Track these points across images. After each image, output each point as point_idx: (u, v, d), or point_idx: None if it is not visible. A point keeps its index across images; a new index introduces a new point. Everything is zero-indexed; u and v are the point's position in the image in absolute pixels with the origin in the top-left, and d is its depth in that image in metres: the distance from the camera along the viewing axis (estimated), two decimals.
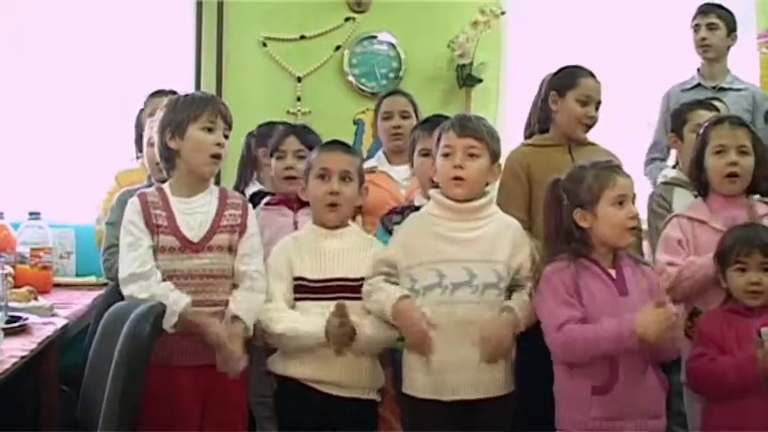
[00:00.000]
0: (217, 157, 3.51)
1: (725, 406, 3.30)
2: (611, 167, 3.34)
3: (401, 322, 3.36)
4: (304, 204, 3.86)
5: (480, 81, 5.88)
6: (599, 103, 4.13)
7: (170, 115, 3.51)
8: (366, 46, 5.98)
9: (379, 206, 4.20)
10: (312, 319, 3.42)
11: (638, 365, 3.19)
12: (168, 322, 3.27)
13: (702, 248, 3.53)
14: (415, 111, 4.79)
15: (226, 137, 3.55)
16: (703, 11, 5.26)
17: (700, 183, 3.70)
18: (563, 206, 3.33)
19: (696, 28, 5.26)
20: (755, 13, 6.47)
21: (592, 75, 4.16)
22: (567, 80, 4.13)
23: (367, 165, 4.79)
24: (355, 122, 5.91)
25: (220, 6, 5.84)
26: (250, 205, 3.70)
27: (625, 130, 5.65)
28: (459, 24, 5.85)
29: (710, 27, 5.23)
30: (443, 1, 5.92)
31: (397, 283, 3.41)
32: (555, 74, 4.23)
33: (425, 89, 5.66)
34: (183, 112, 3.49)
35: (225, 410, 3.46)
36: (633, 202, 3.29)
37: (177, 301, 3.33)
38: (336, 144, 3.74)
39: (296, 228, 3.89)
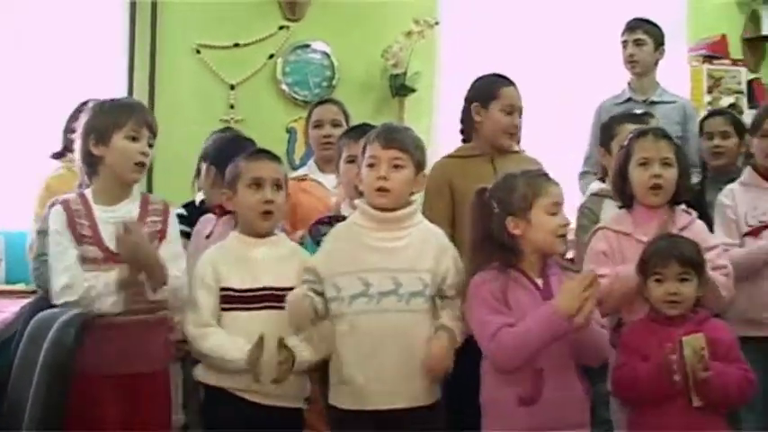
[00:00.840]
0: (141, 165, 3.48)
1: (648, 413, 3.33)
2: (543, 175, 3.37)
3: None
4: (226, 212, 3.86)
5: (414, 91, 5.92)
6: (521, 110, 4.16)
7: (94, 121, 3.49)
8: (300, 54, 6.00)
9: (311, 214, 4.21)
10: (239, 343, 3.38)
11: (563, 375, 3.21)
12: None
13: (628, 260, 3.55)
14: (347, 119, 4.80)
15: (151, 145, 3.53)
16: (631, 27, 5.34)
17: (624, 194, 3.73)
18: (493, 215, 3.34)
19: (624, 44, 5.34)
20: (686, 27, 6.61)
21: (512, 83, 4.19)
22: (489, 91, 4.15)
23: (298, 173, 4.82)
24: (288, 131, 5.92)
25: (154, 12, 5.83)
26: (172, 211, 3.68)
27: (558, 141, 5.72)
28: (393, 34, 5.89)
29: (638, 43, 5.31)
30: (378, 11, 5.96)
31: (320, 292, 3.39)
32: (474, 83, 4.25)
33: (359, 98, 5.70)
34: (107, 119, 3.46)
35: (148, 420, 3.44)
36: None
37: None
38: (265, 153, 3.73)
39: (209, 237, 3.89)
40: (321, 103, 5.06)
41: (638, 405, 3.39)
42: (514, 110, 4.13)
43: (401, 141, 3.47)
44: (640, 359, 3.32)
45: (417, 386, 3.37)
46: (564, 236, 3.28)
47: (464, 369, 3.36)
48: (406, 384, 3.35)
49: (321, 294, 3.39)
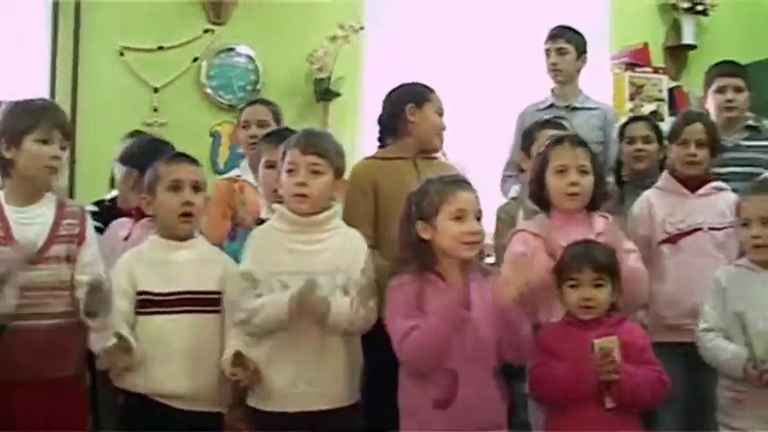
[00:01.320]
0: (53, 168, 3.45)
1: (564, 414, 3.37)
2: (455, 182, 3.37)
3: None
4: (143, 216, 3.84)
5: (338, 95, 5.93)
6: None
7: (5, 123, 3.45)
8: (224, 58, 5.99)
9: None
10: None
11: (479, 377, 3.23)
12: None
13: (545, 264, 3.57)
14: (278, 120, 4.80)
15: (63, 148, 3.49)
16: (553, 35, 5.36)
17: (541, 200, 3.77)
18: (410, 218, 3.37)
19: (547, 52, 5.36)
20: (608, 35, 6.70)
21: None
22: (423, 93, 4.22)
23: (231, 174, 4.81)
24: (212, 134, 5.90)
25: (77, 13, 5.76)
26: (89, 214, 3.66)
27: (482, 146, 5.75)
28: (318, 39, 5.89)
29: (560, 52, 5.33)
30: (303, 15, 5.96)
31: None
32: (402, 87, 4.28)
33: (283, 103, 5.62)
34: (18, 122, 3.43)
35: (64, 426, 3.39)
36: (478, 218, 3.33)
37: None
38: (183, 156, 3.73)
39: (127, 239, 3.87)
40: (252, 103, 5.07)
41: (554, 405, 3.43)
42: (443, 112, 4.22)
43: (320, 147, 3.49)
44: (556, 361, 3.35)
45: (337, 387, 3.41)
46: (471, 243, 3.28)
47: (381, 370, 3.38)
48: (326, 386, 3.38)
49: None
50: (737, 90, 4.96)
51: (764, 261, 3.62)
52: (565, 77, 5.36)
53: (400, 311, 3.25)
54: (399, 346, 3.23)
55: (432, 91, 4.25)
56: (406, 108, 4.19)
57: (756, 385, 3.44)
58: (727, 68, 5.10)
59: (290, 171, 3.46)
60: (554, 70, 5.35)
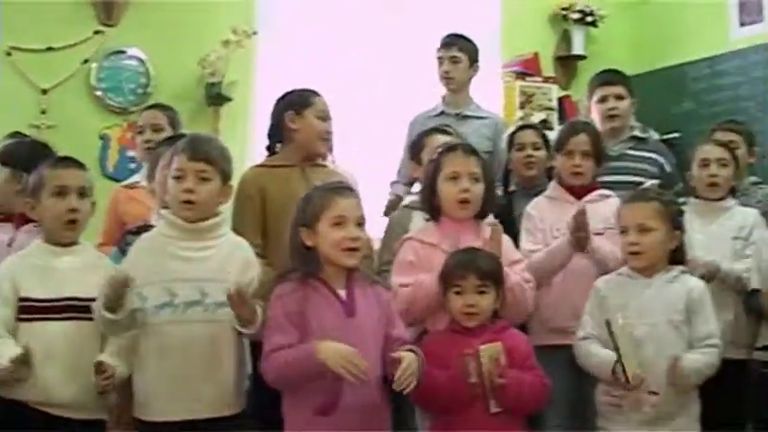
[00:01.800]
0: None
1: (448, 420, 3.42)
2: (336, 189, 3.38)
3: None
4: (28, 221, 3.78)
5: (230, 100, 5.90)
6: (331, 119, 4.22)
7: None
8: (114, 60, 5.91)
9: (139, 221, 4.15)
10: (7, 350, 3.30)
11: (362, 385, 3.18)
12: None
13: (434, 271, 3.61)
14: (174, 125, 4.77)
15: None
16: (446, 43, 5.40)
17: (432, 207, 3.81)
18: (297, 225, 3.38)
19: (440, 60, 5.39)
20: (500, 44, 6.78)
21: (321, 95, 4.25)
22: (302, 99, 4.19)
23: (130, 180, 4.76)
24: (101, 137, 5.81)
25: None
26: None
27: (373, 153, 5.77)
28: (210, 43, 5.84)
29: (453, 60, 5.37)
30: (195, 19, 5.91)
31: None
32: (284, 96, 4.26)
33: (174, 106, 5.63)
34: None
35: None
36: (360, 224, 3.34)
37: None
38: (70, 161, 3.66)
39: (11, 245, 3.80)
40: (148, 108, 5.03)
41: (439, 412, 3.47)
42: (328, 117, 4.20)
43: (207, 153, 3.47)
44: (440, 368, 3.38)
45: (221, 396, 3.38)
46: (350, 249, 3.30)
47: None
48: (211, 394, 3.36)
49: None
50: (619, 98, 5.03)
51: (643, 268, 3.71)
52: (457, 85, 5.40)
53: (274, 323, 3.25)
54: (263, 359, 3.24)
55: (314, 95, 4.22)
56: (286, 116, 4.18)
57: (625, 388, 3.53)
58: (607, 77, 5.17)
59: (177, 177, 3.43)
60: (446, 78, 5.39)
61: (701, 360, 3.57)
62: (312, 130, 4.16)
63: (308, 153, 4.18)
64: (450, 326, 3.51)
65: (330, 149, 4.29)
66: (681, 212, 3.89)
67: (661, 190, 4.09)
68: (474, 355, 3.33)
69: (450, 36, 5.45)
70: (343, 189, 3.39)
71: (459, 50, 5.38)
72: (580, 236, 3.92)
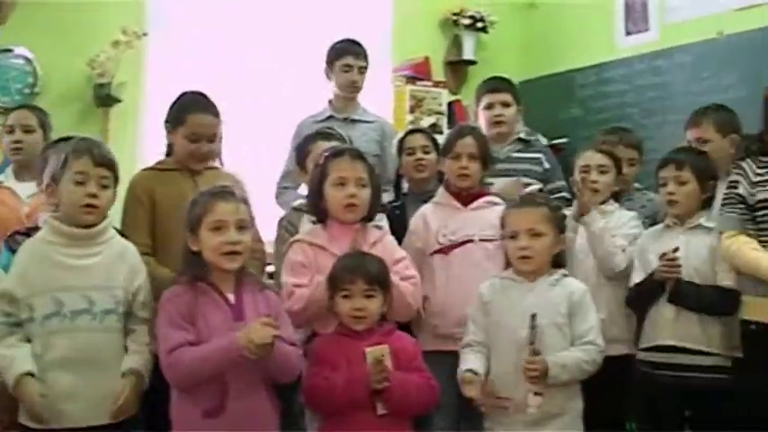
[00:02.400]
0: None
1: (338, 421, 3.44)
2: (218, 193, 3.39)
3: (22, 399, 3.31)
4: None
5: (119, 101, 5.83)
6: (211, 136, 4.11)
7: None
8: (1, 59, 5.78)
9: (3, 223, 4.12)
10: None
11: (249, 388, 3.26)
12: None
13: (323, 273, 3.63)
14: (44, 127, 4.71)
15: None
16: (359, 53, 5.37)
17: (319, 211, 3.83)
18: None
19: (348, 68, 5.34)
20: (391, 48, 6.82)
21: (205, 108, 4.12)
22: (176, 116, 4.11)
23: None
24: None
25: None
26: None
27: (263, 156, 5.76)
28: (100, 43, 5.77)
29: (362, 70, 5.37)
30: (85, 19, 5.82)
31: (18, 323, 3.33)
32: (173, 103, 4.19)
33: (62, 107, 5.56)
34: None
35: None
36: (242, 227, 3.35)
37: None
38: None
39: None
40: (18, 108, 4.94)
41: (328, 414, 3.49)
42: (200, 137, 4.06)
43: (110, 159, 3.49)
44: (330, 370, 3.42)
45: (110, 404, 3.35)
46: (229, 253, 3.31)
47: (160, 382, 3.36)
48: (99, 402, 3.33)
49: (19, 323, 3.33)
50: (505, 105, 5.09)
51: (529, 272, 3.78)
52: (358, 93, 5.42)
53: (170, 322, 3.25)
54: (165, 357, 3.24)
55: (191, 112, 4.07)
56: (165, 127, 4.16)
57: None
58: (493, 85, 5.22)
59: (79, 182, 3.40)
60: (355, 87, 5.38)
61: (571, 356, 3.64)
62: (181, 150, 4.09)
63: (185, 165, 4.13)
64: (338, 329, 3.54)
65: (209, 158, 4.18)
66: (564, 217, 3.97)
67: (545, 195, 4.17)
68: (360, 358, 3.36)
69: (358, 44, 5.43)
70: (224, 193, 3.40)
71: (365, 59, 5.41)
72: None
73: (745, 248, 3.85)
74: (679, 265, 3.95)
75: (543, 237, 3.76)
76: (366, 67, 5.41)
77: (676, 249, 3.97)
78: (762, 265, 3.78)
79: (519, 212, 3.84)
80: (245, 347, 3.12)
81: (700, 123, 4.50)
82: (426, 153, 4.82)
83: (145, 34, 5.88)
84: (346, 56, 5.35)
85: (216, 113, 4.13)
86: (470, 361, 3.70)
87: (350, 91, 5.38)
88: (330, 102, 5.42)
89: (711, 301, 3.98)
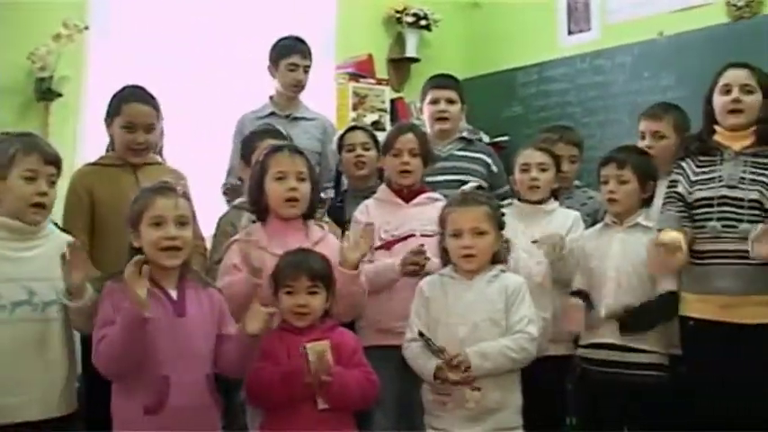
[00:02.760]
0: None
1: (278, 416, 3.46)
2: (157, 189, 3.39)
3: None
4: None
5: (60, 95, 5.77)
6: (150, 125, 4.14)
7: None
8: None
9: None
10: None
11: (190, 384, 3.26)
12: None
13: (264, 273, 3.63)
14: None
15: None
16: (304, 52, 5.38)
17: (260, 208, 3.83)
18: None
19: (293, 67, 5.34)
20: (334, 46, 6.82)
21: (142, 99, 4.16)
22: (113, 106, 4.15)
23: None
24: None
25: None
26: None
27: (205, 152, 5.74)
28: (40, 36, 5.69)
29: (306, 69, 5.38)
30: (25, 12, 5.73)
31: None
32: (112, 97, 4.21)
33: (1, 101, 5.49)
34: None
35: None
36: (182, 223, 3.35)
37: None
38: None
39: None
40: None
41: (269, 409, 3.51)
42: (136, 126, 4.10)
43: (58, 157, 3.48)
44: (271, 365, 3.43)
45: (53, 397, 3.35)
46: (168, 248, 3.30)
47: (101, 377, 3.33)
48: (43, 395, 3.33)
49: None
50: (450, 102, 5.12)
51: (468, 270, 3.81)
52: (298, 91, 5.42)
53: (102, 320, 3.24)
54: (93, 354, 3.24)
55: (126, 101, 4.13)
56: (104, 121, 4.16)
57: (452, 383, 3.64)
58: (440, 81, 5.26)
59: (30, 179, 3.39)
60: (299, 86, 5.38)
61: (492, 345, 3.67)
62: (119, 141, 4.11)
63: (125, 160, 4.13)
64: (281, 325, 3.54)
65: (146, 149, 4.18)
66: (503, 215, 4.00)
67: (486, 193, 4.20)
68: (302, 353, 3.37)
69: (304, 43, 5.42)
70: (164, 189, 3.39)
71: (311, 58, 5.41)
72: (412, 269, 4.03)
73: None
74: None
75: (486, 235, 3.79)
76: (311, 67, 5.40)
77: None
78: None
79: (462, 211, 3.86)
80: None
81: (661, 118, 4.53)
82: (366, 150, 4.84)
83: (86, 28, 5.80)
84: (293, 55, 5.34)
85: (153, 105, 4.15)
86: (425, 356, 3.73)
87: (294, 90, 5.38)
88: (272, 98, 5.41)
89: (658, 316, 4.03)
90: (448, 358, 3.61)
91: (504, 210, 4.14)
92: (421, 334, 3.71)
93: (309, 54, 5.39)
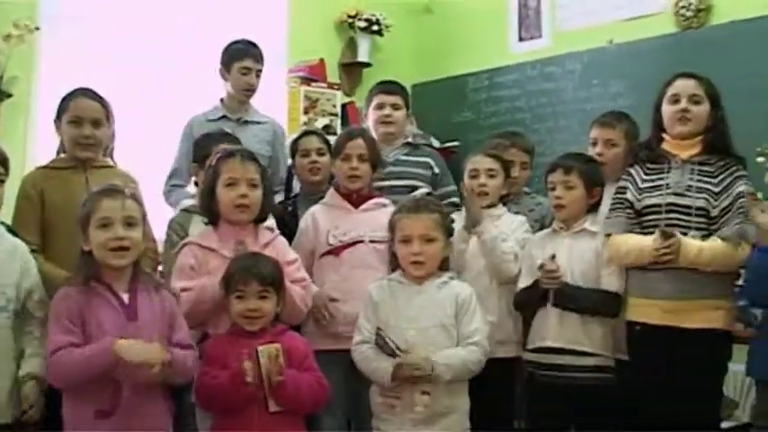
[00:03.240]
0: None
1: (229, 419, 3.47)
2: (104, 190, 3.39)
3: None
4: None
5: (10, 96, 5.72)
6: (97, 120, 4.11)
7: None
8: None
9: None
10: None
11: (142, 389, 3.25)
12: None
13: (214, 276, 3.66)
14: None
15: None
16: (256, 55, 5.36)
17: (211, 211, 3.84)
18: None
19: (246, 71, 5.32)
20: (286, 49, 6.83)
21: (88, 95, 4.14)
22: (61, 105, 4.13)
23: None
24: None
25: None
26: None
27: (154, 154, 5.71)
28: None
29: (259, 74, 5.38)
30: None
31: None
32: (61, 100, 4.18)
33: None
34: None
35: None
36: (130, 224, 3.34)
37: None
38: None
39: None
40: None
41: (219, 412, 3.51)
42: (82, 120, 4.07)
43: (5, 157, 3.51)
44: (221, 370, 3.44)
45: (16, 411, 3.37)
46: (116, 249, 3.30)
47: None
48: None
49: None
50: (395, 107, 5.14)
51: (417, 276, 3.86)
52: (250, 96, 5.42)
53: (58, 325, 3.23)
54: (48, 359, 3.23)
55: (73, 98, 4.12)
56: (54, 123, 4.15)
57: (411, 382, 3.68)
58: (385, 87, 5.28)
59: None
60: (251, 90, 5.36)
61: (456, 356, 3.74)
62: (67, 138, 4.09)
63: (75, 159, 4.11)
64: (231, 329, 3.56)
65: (93, 145, 4.13)
66: (452, 221, 4.04)
67: (437, 200, 4.23)
68: (252, 356, 3.37)
69: (257, 47, 5.40)
70: (111, 191, 3.39)
71: (263, 62, 5.40)
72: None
73: (626, 236, 4.00)
74: (558, 276, 4.05)
75: (435, 242, 3.84)
76: (262, 71, 5.41)
77: (553, 257, 4.07)
78: (645, 243, 3.92)
79: (413, 218, 3.89)
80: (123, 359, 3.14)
81: (614, 127, 4.58)
82: (321, 155, 4.84)
83: (37, 28, 5.76)
84: (246, 59, 5.32)
85: (101, 102, 4.14)
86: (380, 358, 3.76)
87: (246, 94, 5.37)
88: (222, 101, 5.39)
89: (594, 303, 4.08)
90: (412, 359, 3.63)
91: (453, 216, 4.19)
92: (379, 332, 3.73)
93: (262, 58, 5.38)
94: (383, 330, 3.74)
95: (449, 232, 3.92)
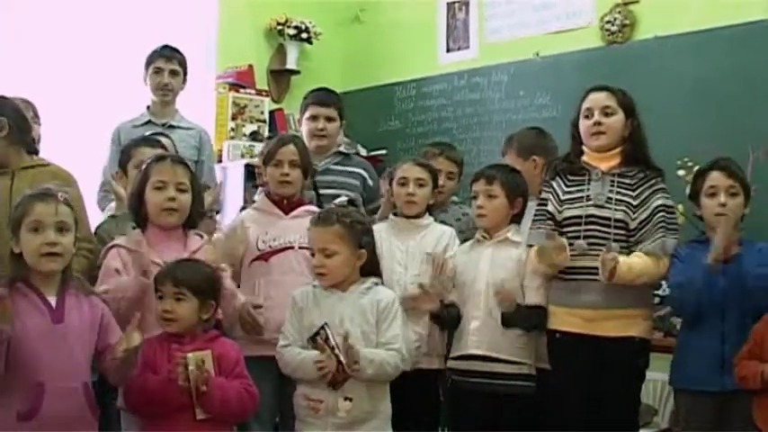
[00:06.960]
0: None
1: (157, 425, 3.46)
2: (37, 194, 3.36)
3: None
4: None
5: None
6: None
7: None
8: None
9: None
10: None
11: (66, 391, 3.24)
12: None
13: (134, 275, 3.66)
14: None
15: None
16: (168, 56, 5.43)
17: (139, 216, 3.84)
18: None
19: (158, 71, 5.40)
20: (215, 55, 6.83)
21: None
22: None
23: None
24: None
25: None
26: None
27: (82, 160, 5.68)
28: None
29: (173, 73, 5.43)
30: None
31: None
32: None
33: None
34: None
35: None
36: (63, 229, 3.31)
37: None
38: None
39: None
40: None
41: (147, 417, 3.51)
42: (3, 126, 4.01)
43: None
44: (151, 373, 3.45)
45: None
46: (48, 254, 3.27)
47: None
48: None
49: None
50: (329, 120, 5.14)
51: (331, 285, 3.89)
52: (173, 97, 5.47)
53: None
54: None
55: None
56: None
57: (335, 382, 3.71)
58: (320, 97, 5.26)
59: None
60: (166, 90, 5.41)
61: (379, 354, 3.77)
62: None
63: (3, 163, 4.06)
64: (163, 333, 3.56)
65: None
66: (368, 230, 4.01)
67: (346, 210, 4.20)
68: (182, 363, 3.38)
69: (170, 48, 5.46)
70: (44, 195, 3.36)
71: (179, 64, 5.44)
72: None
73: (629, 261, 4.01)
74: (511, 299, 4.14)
75: (336, 256, 3.85)
76: (179, 71, 5.45)
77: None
78: (648, 262, 4.00)
79: (313, 231, 3.95)
80: None
81: (506, 152, 4.75)
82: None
83: None
84: (157, 60, 5.41)
85: (23, 100, 4.14)
86: (304, 353, 3.79)
87: (161, 94, 5.42)
88: (148, 107, 5.44)
89: (536, 321, 4.17)
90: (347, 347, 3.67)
91: (377, 224, 4.24)
92: (325, 326, 3.74)
93: (176, 58, 5.44)
94: (328, 326, 3.75)
95: (357, 241, 3.89)
